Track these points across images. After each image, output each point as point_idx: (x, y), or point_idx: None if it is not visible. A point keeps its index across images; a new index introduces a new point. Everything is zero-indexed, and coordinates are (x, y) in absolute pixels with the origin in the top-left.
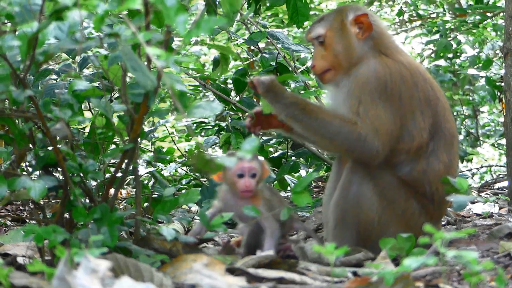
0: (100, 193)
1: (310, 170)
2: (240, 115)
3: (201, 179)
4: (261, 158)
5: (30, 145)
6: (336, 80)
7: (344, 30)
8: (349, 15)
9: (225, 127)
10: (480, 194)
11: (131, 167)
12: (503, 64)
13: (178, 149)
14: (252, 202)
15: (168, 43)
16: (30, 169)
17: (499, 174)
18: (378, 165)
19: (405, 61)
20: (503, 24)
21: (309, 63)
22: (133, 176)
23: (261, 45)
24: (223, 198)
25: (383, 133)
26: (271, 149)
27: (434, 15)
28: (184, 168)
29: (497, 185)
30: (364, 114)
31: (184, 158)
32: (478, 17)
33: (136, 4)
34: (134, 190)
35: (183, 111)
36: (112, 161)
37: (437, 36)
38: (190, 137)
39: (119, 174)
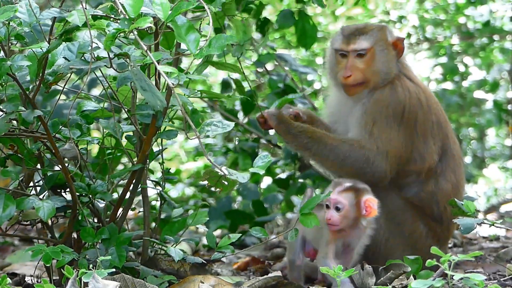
0: (108, 214)
1: (318, 191)
2: (248, 136)
3: (209, 200)
4: (369, 197)
5: (39, 165)
6: (361, 94)
7: (387, 48)
8: (389, 35)
9: (232, 149)
10: (486, 216)
11: (139, 188)
12: (510, 87)
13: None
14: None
15: (178, 62)
16: (38, 189)
17: (505, 197)
18: (385, 187)
19: (422, 85)
20: (510, 47)
21: (316, 85)
22: (140, 197)
23: (269, 67)
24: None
25: (392, 156)
26: (278, 170)
27: (441, 38)
28: (192, 188)
29: (503, 208)
30: (377, 135)
31: (192, 179)
32: (485, 40)
33: (147, 23)
34: (142, 210)
35: (195, 129)
36: (121, 181)
37: (444, 59)
38: (197, 158)
39: (128, 195)
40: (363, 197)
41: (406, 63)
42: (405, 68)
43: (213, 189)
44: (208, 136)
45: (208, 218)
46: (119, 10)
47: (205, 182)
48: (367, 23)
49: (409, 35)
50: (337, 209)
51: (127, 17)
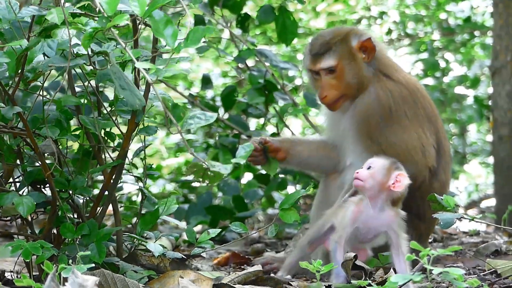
0: (88, 209)
1: (298, 187)
2: (229, 132)
3: (190, 195)
4: (402, 172)
5: (18, 161)
6: (345, 105)
7: (353, 57)
8: (353, 41)
9: (213, 144)
10: (467, 212)
11: (119, 184)
12: (491, 83)
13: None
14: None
15: (155, 58)
16: (18, 185)
17: (486, 193)
18: None
19: (403, 81)
20: (491, 43)
21: (297, 81)
22: (122, 192)
23: (250, 63)
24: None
25: (404, 156)
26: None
27: (422, 34)
28: (173, 184)
29: (484, 203)
30: (377, 146)
31: (173, 175)
32: (466, 36)
33: (124, 20)
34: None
35: (177, 123)
36: (100, 177)
37: (425, 54)
38: (178, 154)
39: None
40: (396, 170)
41: (385, 58)
42: (383, 65)
43: (200, 182)
44: (189, 132)
45: (177, 206)
46: (97, 9)
47: (191, 177)
48: (331, 32)
49: (390, 31)
50: (369, 168)
51: (105, 15)
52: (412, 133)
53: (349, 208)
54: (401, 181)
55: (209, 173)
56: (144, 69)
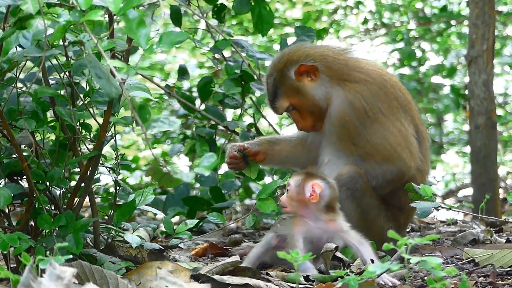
0: (65, 201)
1: (275, 177)
2: (205, 123)
3: (167, 188)
4: (317, 181)
5: None
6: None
7: (299, 88)
8: (290, 74)
9: (190, 135)
10: (444, 201)
11: (96, 175)
12: (467, 72)
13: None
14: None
15: (129, 54)
16: None
17: (463, 182)
18: (362, 187)
19: (368, 77)
20: (467, 32)
21: None
22: (98, 184)
23: (226, 53)
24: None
25: (390, 154)
26: None
27: (398, 24)
28: (149, 176)
29: (461, 193)
30: (361, 151)
31: (149, 166)
32: (442, 25)
33: (98, 15)
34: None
35: (142, 124)
36: (77, 169)
37: (401, 44)
38: (155, 146)
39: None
40: (310, 181)
41: (340, 63)
42: (340, 71)
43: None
44: (160, 130)
45: (154, 196)
46: (71, 1)
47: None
48: (273, 68)
49: (366, 21)
50: (287, 191)
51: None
52: (392, 128)
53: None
54: (316, 191)
55: (168, 178)
56: (115, 67)
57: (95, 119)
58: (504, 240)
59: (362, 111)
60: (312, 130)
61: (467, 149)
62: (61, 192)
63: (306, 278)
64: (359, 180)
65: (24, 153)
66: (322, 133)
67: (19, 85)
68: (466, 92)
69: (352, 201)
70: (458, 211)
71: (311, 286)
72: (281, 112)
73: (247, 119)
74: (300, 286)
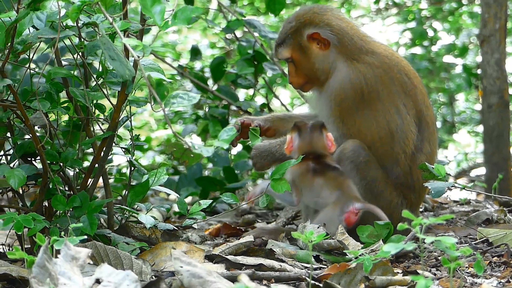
0: (79, 182)
1: None
2: (218, 103)
3: (179, 168)
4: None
5: (9, 134)
6: (316, 88)
7: (305, 48)
8: (304, 34)
9: (202, 116)
10: (457, 181)
11: (110, 155)
12: (480, 51)
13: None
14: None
15: (143, 34)
16: (9, 158)
17: (476, 161)
18: (366, 160)
19: (376, 60)
20: (479, 11)
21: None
22: (112, 164)
23: (238, 33)
24: None
25: (369, 140)
26: None
27: (410, 3)
28: (162, 156)
29: (473, 172)
30: (349, 125)
31: (162, 146)
32: (454, 4)
33: None
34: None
35: (160, 101)
36: (90, 149)
37: (413, 24)
38: (167, 126)
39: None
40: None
41: (352, 40)
42: (346, 50)
43: (178, 161)
44: (173, 111)
45: (167, 177)
46: None
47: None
48: (292, 20)
49: (377, 1)
50: None
51: None
52: (381, 119)
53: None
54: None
55: (188, 154)
56: (131, 45)
57: (109, 100)
58: None
59: (359, 92)
60: (299, 88)
61: (479, 128)
62: (75, 173)
63: (317, 258)
64: (362, 152)
65: (38, 134)
66: (320, 112)
67: (32, 66)
68: (478, 71)
69: (357, 174)
70: (471, 191)
71: (325, 267)
72: (279, 57)
73: (260, 99)
74: (314, 266)
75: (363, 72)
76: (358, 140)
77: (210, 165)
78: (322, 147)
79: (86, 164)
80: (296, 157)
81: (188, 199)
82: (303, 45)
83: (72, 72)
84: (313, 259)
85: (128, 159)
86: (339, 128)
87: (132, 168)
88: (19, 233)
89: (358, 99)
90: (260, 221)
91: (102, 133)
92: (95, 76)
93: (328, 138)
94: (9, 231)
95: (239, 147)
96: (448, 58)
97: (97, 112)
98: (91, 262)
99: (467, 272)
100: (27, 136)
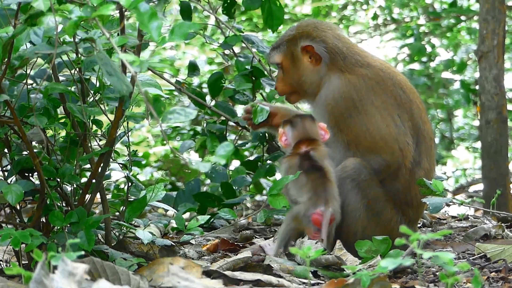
0: (77, 197)
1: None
2: (216, 119)
3: (177, 183)
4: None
5: (6, 150)
6: (307, 101)
7: (297, 59)
8: (299, 44)
9: (200, 131)
10: (455, 197)
11: (107, 171)
12: (478, 67)
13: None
14: None
15: (141, 48)
16: (6, 174)
17: (474, 177)
18: (367, 178)
19: (369, 73)
20: (477, 27)
21: None
22: (109, 180)
23: (236, 49)
24: None
25: (369, 149)
26: (246, 152)
27: (408, 19)
28: (160, 172)
29: (472, 188)
30: (345, 138)
31: (160, 162)
32: (452, 20)
33: (109, 10)
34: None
35: (157, 117)
36: (88, 165)
37: (411, 39)
38: (165, 142)
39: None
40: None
41: (344, 57)
42: (339, 65)
43: (175, 177)
44: (171, 126)
45: (165, 192)
46: None
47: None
48: (293, 29)
49: (376, 16)
50: None
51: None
52: (380, 123)
53: None
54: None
55: (185, 169)
56: (128, 61)
57: (106, 115)
58: None
59: (350, 100)
60: (284, 95)
61: (478, 144)
62: (73, 188)
63: (315, 273)
64: (363, 171)
65: (35, 150)
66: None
67: (29, 81)
68: (477, 87)
69: (358, 192)
70: (470, 206)
71: (323, 282)
72: (271, 61)
73: None
74: (312, 282)
75: (354, 82)
76: (360, 159)
77: (208, 181)
78: (316, 133)
79: (83, 180)
80: (292, 149)
81: (186, 215)
82: (295, 54)
83: (70, 87)
84: (311, 275)
85: (126, 175)
86: (338, 136)
87: (130, 184)
88: (16, 249)
89: (350, 106)
90: (258, 237)
91: (100, 148)
92: (92, 91)
93: (321, 127)
94: (7, 247)
95: (237, 163)
96: (446, 74)
97: (94, 127)
98: (89, 278)
99: None
100: (24, 152)
